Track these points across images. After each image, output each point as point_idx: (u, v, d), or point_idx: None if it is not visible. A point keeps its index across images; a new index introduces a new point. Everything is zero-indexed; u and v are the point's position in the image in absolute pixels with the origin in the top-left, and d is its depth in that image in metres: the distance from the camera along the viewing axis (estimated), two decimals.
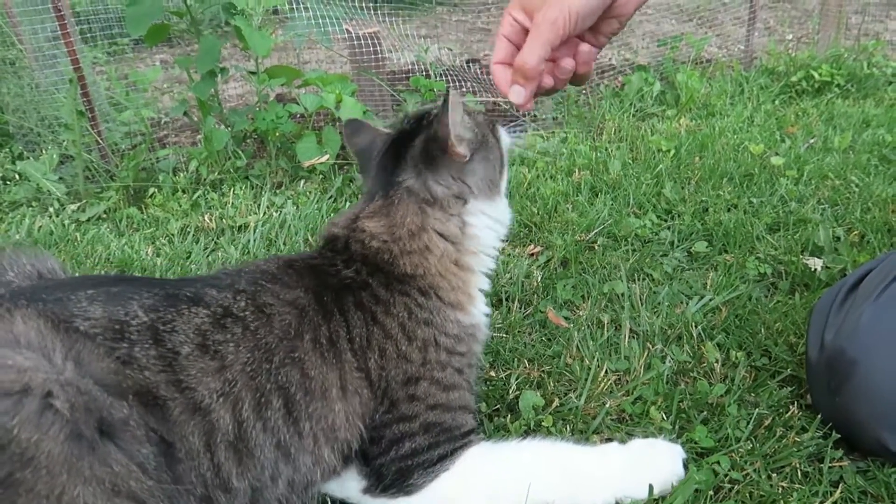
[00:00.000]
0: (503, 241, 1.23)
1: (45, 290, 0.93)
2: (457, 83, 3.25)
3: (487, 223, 1.16)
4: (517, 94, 1.05)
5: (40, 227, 2.11)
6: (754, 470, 1.06)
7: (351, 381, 1.00)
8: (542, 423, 1.18)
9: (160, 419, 0.84)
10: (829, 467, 1.07)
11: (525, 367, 1.34)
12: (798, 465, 1.07)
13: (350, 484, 1.03)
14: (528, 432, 1.17)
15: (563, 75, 1.08)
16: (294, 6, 2.90)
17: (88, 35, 3.41)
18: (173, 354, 0.88)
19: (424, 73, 3.10)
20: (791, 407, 1.19)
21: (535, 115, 2.98)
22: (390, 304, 1.06)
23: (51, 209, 2.25)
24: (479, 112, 1.24)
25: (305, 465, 0.95)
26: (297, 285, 1.04)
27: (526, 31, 1.04)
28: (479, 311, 1.16)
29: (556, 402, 1.23)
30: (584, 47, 1.08)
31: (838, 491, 1.03)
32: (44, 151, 2.53)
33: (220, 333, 0.92)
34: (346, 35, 2.87)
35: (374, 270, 1.09)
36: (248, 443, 0.90)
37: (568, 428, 1.18)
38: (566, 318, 1.50)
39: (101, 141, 2.53)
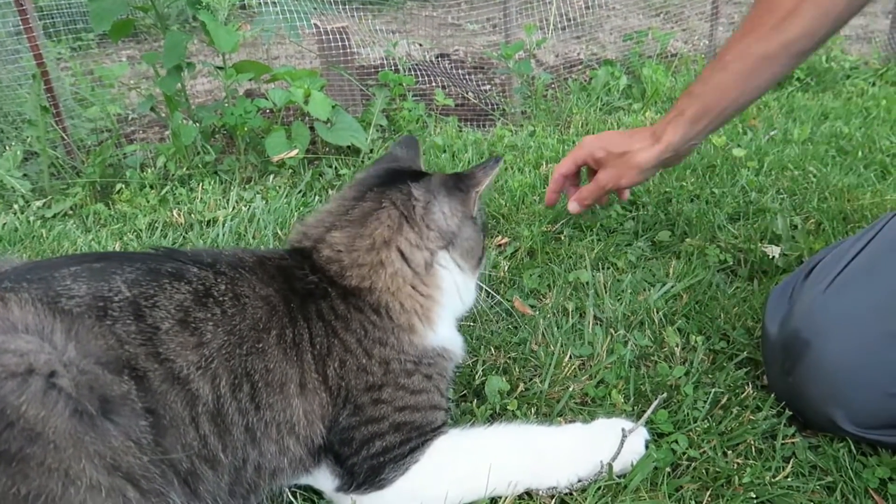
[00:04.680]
0: (460, 315, 1.25)
1: (28, 272, 0.93)
2: (427, 78, 3.27)
3: (454, 281, 1.18)
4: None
5: (4, 224, 2.08)
6: (711, 448, 1.10)
7: (310, 381, 1.01)
8: (508, 407, 1.21)
9: (145, 389, 0.86)
10: (782, 444, 1.12)
11: (491, 354, 1.36)
12: (752, 442, 1.11)
13: (323, 483, 1.05)
14: (493, 416, 1.20)
15: None
16: (262, 1, 2.89)
17: (52, 30, 3.35)
18: (153, 329, 0.89)
19: (394, 68, 3.11)
20: (747, 387, 1.23)
21: (503, 110, 3.01)
22: (348, 319, 1.06)
23: (15, 206, 2.22)
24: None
25: (270, 451, 0.97)
26: (270, 284, 1.05)
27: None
28: (441, 336, 1.15)
29: (522, 387, 1.26)
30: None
31: (790, 466, 1.07)
32: (7, 148, 2.49)
33: (202, 311, 0.94)
34: (315, 30, 2.86)
35: (331, 282, 1.10)
36: (224, 419, 0.92)
37: (533, 411, 1.21)
38: (532, 307, 1.53)
39: (66, 137, 2.50)
